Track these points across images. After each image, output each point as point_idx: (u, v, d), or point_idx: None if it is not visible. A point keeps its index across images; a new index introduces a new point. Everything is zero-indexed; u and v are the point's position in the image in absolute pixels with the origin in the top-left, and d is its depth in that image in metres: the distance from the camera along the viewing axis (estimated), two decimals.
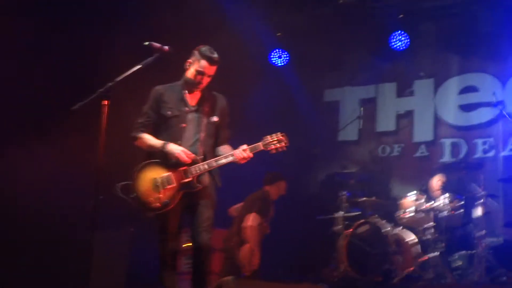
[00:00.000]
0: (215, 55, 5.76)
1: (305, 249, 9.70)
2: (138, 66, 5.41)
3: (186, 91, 5.84)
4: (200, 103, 5.86)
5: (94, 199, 5.00)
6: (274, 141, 5.63)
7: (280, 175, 9.03)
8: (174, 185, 5.64)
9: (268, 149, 5.63)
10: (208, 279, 5.86)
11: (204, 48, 5.78)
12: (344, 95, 11.12)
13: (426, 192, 8.97)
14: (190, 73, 5.78)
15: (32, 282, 8.23)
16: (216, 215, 7.82)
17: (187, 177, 5.64)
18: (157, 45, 5.49)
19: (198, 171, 5.63)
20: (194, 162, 5.66)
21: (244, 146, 5.63)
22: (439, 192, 8.91)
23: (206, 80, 5.79)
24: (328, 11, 10.29)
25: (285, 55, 10.93)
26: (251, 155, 5.63)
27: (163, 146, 5.63)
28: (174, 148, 5.62)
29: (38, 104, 8.68)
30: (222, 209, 8.20)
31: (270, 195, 8.88)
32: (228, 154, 5.66)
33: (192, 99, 5.86)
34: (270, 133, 6.19)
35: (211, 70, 5.77)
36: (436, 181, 9.05)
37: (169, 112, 5.75)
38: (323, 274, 9.04)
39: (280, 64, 10.95)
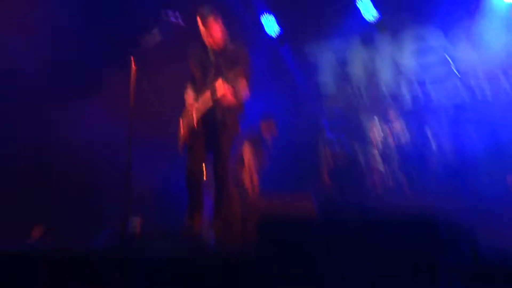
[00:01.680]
0: (208, 11, 5.87)
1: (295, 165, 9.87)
2: (159, 39, 5.42)
3: (207, 51, 5.94)
4: (218, 61, 5.87)
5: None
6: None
7: (272, 115, 9.13)
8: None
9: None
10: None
11: (199, 9, 5.85)
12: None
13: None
14: (204, 32, 5.87)
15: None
16: None
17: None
18: (173, 18, 5.42)
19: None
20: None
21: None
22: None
23: (217, 37, 5.88)
24: None
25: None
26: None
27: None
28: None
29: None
30: None
31: (262, 131, 9.05)
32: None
33: (213, 58, 5.92)
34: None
35: (216, 28, 5.86)
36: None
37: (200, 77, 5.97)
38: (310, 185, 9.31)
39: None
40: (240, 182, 8.71)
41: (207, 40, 5.79)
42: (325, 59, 11.29)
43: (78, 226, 7.88)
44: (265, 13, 11.15)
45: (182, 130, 5.94)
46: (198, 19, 5.76)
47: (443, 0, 9.94)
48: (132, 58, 5.28)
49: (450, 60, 9.37)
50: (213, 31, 5.76)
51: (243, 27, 10.44)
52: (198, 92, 5.90)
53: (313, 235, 4.30)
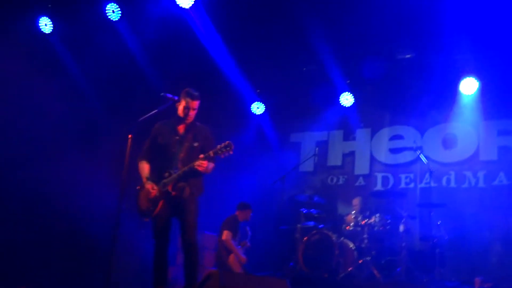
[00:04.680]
0: (196, 93, 6.25)
1: (272, 251, 9.95)
2: (155, 111, 6.14)
3: (177, 124, 6.29)
4: (186, 132, 6.26)
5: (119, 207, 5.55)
6: (222, 147, 5.92)
7: (248, 205, 9.49)
8: (155, 195, 6.05)
9: (218, 154, 5.94)
10: (197, 272, 6.06)
11: (187, 89, 6.24)
12: (304, 137, 11.61)
13: (362, 212, 9.35)
14: (179, 110, 6.22)
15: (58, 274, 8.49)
16: (205, 222, 8.59)
17: (163, 188, 6.06)
18: (170, 95, 6.16)
19: (169, 182, 6.03)
20: (162, 188, 6.03)
21: (201, 155, 5.97)
22: (357, 207, 9.50)
23: (191, 113, 6.23)
24: (295, 74, 11.04)
25: (262, 106, 11.58)
26: (204, 162, 5.94)
27: (145, 181, 6.19)
28: (147, 185, 6.12)
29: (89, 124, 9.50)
30: (212, 217, 9.09)
31: (238, 217, 9.41)
32: (190, 165, 6.00)
33: (180, 129, 6.28)
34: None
35: (194, 104, 6.20)
36: (355, 201, 9.69)
37: (162, 141, 6.24)
38: (285, 270, 9.41)
39: (258, 113, 11.63)
40: (224, 265, 8.99)
41: (183, 115, 6.20)
42: (307, 142, 11.55)
43: None
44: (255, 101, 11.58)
45: (143, 202, 6.16)
46: (182, 99, 6.20)
47: (421, 103, 10.33)
48: (129, 136, 5.81)
49: (423, 158, 9.37)
50: (191, 112, 6.20)
51: (234, 109, 11.17)
52: (159, 163, 6.19)
53: None
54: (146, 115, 6.03)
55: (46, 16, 9.75)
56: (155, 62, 10.05)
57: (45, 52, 9.59)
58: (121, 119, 8.60)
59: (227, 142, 5.98)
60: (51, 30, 9.79)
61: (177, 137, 6.24)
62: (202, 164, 5.99)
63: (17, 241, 8.55)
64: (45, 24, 9.78)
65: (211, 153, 5.98)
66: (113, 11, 9.57)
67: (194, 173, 6.09)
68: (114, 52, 9.65)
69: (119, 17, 9.55)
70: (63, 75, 9.71)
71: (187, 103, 6.19)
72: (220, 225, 9.35)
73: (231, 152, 5.95)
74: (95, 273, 7.38)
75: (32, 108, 9.15)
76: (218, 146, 5.98)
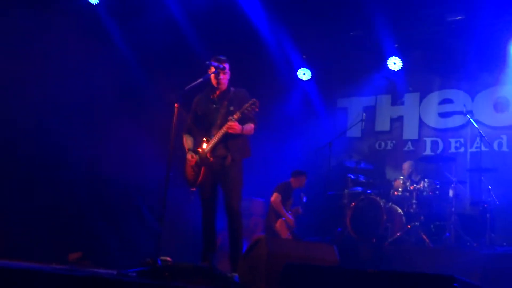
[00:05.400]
0: (223, 57, 6.23)
1: (320, 217, 9.88)
2: (200, 79, 6.12)
3: (212, 93, 6.29)
4: (220, 98, 6.24)
5: (167, 175, 5.62)
6: (247, 106, 5.93)
7: (303, 172, 9.56)
8: (196, 163, 6.13)
9: (245, 113, 5.95)
10: (241, 238, 6.12)
11: (215, 56, 6.26)
12: (351, 103, 11.55)
13: (410, 177, 9.41)
14: (212, 78, 6.23)
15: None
16: (254, 188, 8.71)
17: (201, 155, 6.13)
18: (215, 64, 6.16)
19: (207, 149, 6.08)
20: (201, 155, 6.10)
21: (229, 118, 5.98)
22: (406, 171, 9.57)
23: (222, 77, 6.21)
24: (341, 39, 10.90)
25: (308, 72, 11.43)
26: (234, 123, 5.93)
27: (186, 152, 6.29)
28: (188, 155, 6.22)
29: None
30: (260, 184, 9.26)
31: (292, 184, 9.52)
32: (221, 129, 6.01)
33: (215, 97, 6.27)
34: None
35: (222, 69, 6.18)
36: (406, 164, 9.75)
37: (200, 111, 6.30)
38: (333, 235, 9.47)
39: (304, 79, 11.52)
40: (271, 230, 9.09)
41: (216, 82, 6.21)
42: (354, 107, 11.48)
43: (113, 256, 8.05)
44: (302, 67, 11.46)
45: (189, 171, 6.24)
46: (212, 67, 6.19)
47: (471, 66, 10.09)
48: (176, 105, 5.85)
49: (474, 123, 9.19)
50: (222, 76, 6.18)
51: (280, 76, 11.05)
52: (201, 133, 6.24)
53: (334, 284, 4.22)
54: (192, 84, 6.02)
55: None
56: (200, 31, 10.02)
57: (92, 23, 9.63)
58: (168, 88, 8.64)
59: (252, 99, 5.99)
60: (98, 1, 9.85)
61: (214, 105, 6.25)
62: (232, 126, 5.99)
63: (68, 210, 8.75)
64: None
65: (237, 114, 6.00)
66: None
67: (231, 136, 6.08)
68: (160, 21, 9.67)
69: None
70: (111, 45, 9.79)
71: (216, 69, 6.18)
72: (272, 190, 9.42)
73: (256, 109, 5.96)
74: (146, 241, 7.49)
75: (80, 79, 9.29)
76: (244, 106, 5.98)
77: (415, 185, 9.11)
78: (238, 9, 9.64)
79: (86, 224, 8.68)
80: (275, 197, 9.24)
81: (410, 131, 10.93)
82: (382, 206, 9.04)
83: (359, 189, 9.86)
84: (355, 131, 11.19)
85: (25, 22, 8.68)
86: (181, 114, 5.92)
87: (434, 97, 10.81)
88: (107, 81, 9.45)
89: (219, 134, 6.05)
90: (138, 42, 9.89)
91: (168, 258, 5.64)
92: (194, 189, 6.24)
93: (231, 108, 6.12)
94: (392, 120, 11.18)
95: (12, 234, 8.09)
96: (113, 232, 8.81)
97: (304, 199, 9.61)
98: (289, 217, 9.28)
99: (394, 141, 11.08)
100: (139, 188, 9.34)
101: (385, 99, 11.33)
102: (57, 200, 8.66)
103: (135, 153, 9.40)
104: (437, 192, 9.01)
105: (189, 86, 5.97)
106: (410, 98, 11.03)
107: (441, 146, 10.57)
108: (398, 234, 8.85)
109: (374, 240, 8.88)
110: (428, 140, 10.70)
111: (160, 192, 5.79)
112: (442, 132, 10.60)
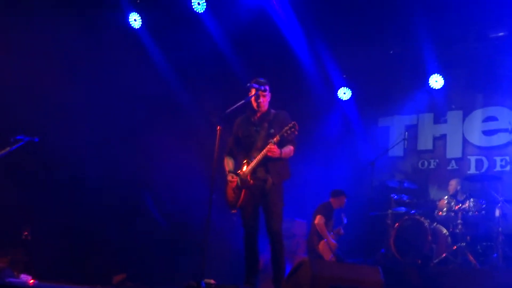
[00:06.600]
0: (262, 79, 6.28)
1: (363, 238, 9.71)
2: (242, 102, 6.21)
3: (253, 115, 6.34)
4: (261, 120, 6.28)
5: (210, 197, 5.76)
6: (287, 129, 5.94)
7: (343, 192, 9.52)
8: (236, 185, 6.16)
9: (285, 136, 5.96)
10: (283, 260, 6.13)
11: (255, 78, 6.30)
12: (393, 122, 11.39)
13: (455, 196, 9.26)
14: (252, 100, 6.26)
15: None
16: (296, 209, 8.68)
17: (241, 178, 6.16)
18: (256, 86, 6.20)
19: (248, 171, 6.11)
20: (241, 178, 6.11)
21: (269, 141, 6.00)
22: (453, 188, 9.40)
23: (262, 100, 6.25)
24: (381, 57, 10.82)
25: (349, 91, 11.29)
26: (273, 147, 5.94)
27: (227, 174, 6.30)
28: (228, 176, 6.23)
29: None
30: (302, 205, 9.27)
31: (332, 205, 9.48)
32: (262, 152, 6.03)
33: (256, 119, 6.31)
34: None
35: (263, 91, 6.22)
36: (452, 182, 9.58)
37: (242, 134, 6.33)
38: (377, 257, 9.37)
39: (345, 99, 11.37)
40: (314, 251, 9.08)
41: (256, 104, 6.25)
42: (396, 126, 11.36)
43: (157, 278, 8.05)
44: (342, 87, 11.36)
45: (230, 193, 6.27)
46: (252, 89, 6.22)
47: None
48: (218, 128, 5.99)
49: None
50: (262, 99, 6.21)
51: (321, 96, 11.03)
52: (242, 156, 6.28)
53: None
54: (233, 107, 6.09)
55: (135, 12, 10.06)
56: (239, 52, 10.11)
57: (135, 46, 9.87)
58: (210, 109, 8.72)
59: (292, 123, 6.00)
60: (140, 25, 10.05)
61: (254, 128, 6.29)
62: (272, 149, 6.00)
63: (112, 231, 8.87)
64: (135, 20, 10.09)
65: (276, 137, 6.02)
66: (199, 3, 9.75)
67: (270, 159, 6.10)
68: (199, 42, 9.83)
69: (204, 9, 9.71)
70: (153, 67, 10.02)
71: (256, 91, 6.20)
72: (313, 211, 9.38)
73: (296, 133, 5.97)
74: (190, 263, 7.49)
75: (124, 100, 9.51)
76: (283, 129, 5.99)
77: (460, 205, 9.00)
78: (278, 30, 9.71)
79: (131, 246, 8.77)
80: (318, 219, 9.19)
81: (453, 150, 10.78)
82: (427, 226, 8.93)
83: (403, 209, 9.75)
84: (397, 151, 11.08)
85: (75, 42, 9.03)
86: (222, 136, 6.01)
87: (477, 115, 10.66)
88: (151, 101, 9.71)
89: (259, 157, 6.08)
90: (180, 63, 10.11)
91: (212, 281, 5.65)
92: (235, 211, 6.26)
93: (272, 131, 6.16)
94: (435, 139, 11.04)
95: (55, 256, 8.23)
96: (157, 254, 8.86)
97: (345, 220, 9.51)
98: (332, 241, 9.20)
99: (437, 160, 10.93)
100: (182, 209, 9.43)
101: (427, 117, 11.20)
102: (100, 221, 8.80)
103: (178, 174, 9.50)
104: (483, 212, 8.87)
105: (230, 109, 6.05)
106: (453, 116, 10.89)
107: (486, 164, 10.37)
108: (443, 255, 8.73)
109: (419, 262, 8.77)
110: (473, 159, 10.53)
111: (202, 212, 5.87)
112: (487, 150, 10.42)
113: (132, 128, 9.63)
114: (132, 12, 10.08)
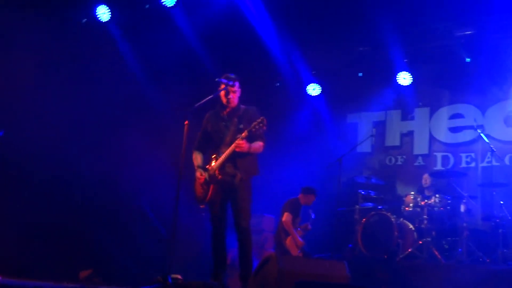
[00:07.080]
0: (232, 75, 6.24)
1: (331, 233, 9.70)
2: (210, 96, 6.21)
3: (222, 110, 6.32)
4: (230, 116, 6.27)
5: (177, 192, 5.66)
6: (255, 124, 5.92)
7: (314, 191, 9.41)
8: (204, 181, 6.14)
9: (253, 132, 5.94)
10: (251, 256, 6.13)
11: (225, 74, 6.28)
12: (361, 118, 11.50)
13: (421, 192, 9.39)
14: (222, 96, 6.25)
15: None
16: (265, 205, 8.67)
17: (210, 173, 6.14)
18: (224, 81, 6.19)
19: (215, 166, 6.11)
20: (210, 173, 6.11)
21: (237, 136, 6.00)
22: (427, 183, 9.55)
23: (232, 96, 6.24)
24: (350, 54, 10.85)
25: (318, 87, 11.30)
26: (242, 142, 5.93)
27: (195, 169, 6.28)
28: (196, 172, 6.23)
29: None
30: (270, 200, 9.30)
31: (300, 201, 9.38)
32: (230, 147, 6.02)
33: (225, 114, 6.30)
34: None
35: (233, 87, 6.20)
36: (426, 177, 9.70)
37: (211, 129, 6.34)
38: (344, 252, 9.38)
39: (314, 95, 11.39)
40: (281, 246, 9.05)
41: (225, 100, 6.23)
42: (364, 123, 11.46)
43: (124, 273, 8.06)
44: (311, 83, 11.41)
45: (198, 188, 6.24)
46: (222, 85, 6.21)
47: (481, 80, 10.10)
48: (186, 123, 5.91)
49: (484, 137, 9.18)
50: (232, 95, 6.19)
51: (290, 92, 11.11)
52: (211, 151, 6.27)
53: None
54: (202, 101, 6.08)
55: (104, 4, 9.87)
56: (209, 48, 10.07)
57: (103, 40, 9.74)
58: (178, 104, 8.68)
59: (260, 118, 5.99)
60: (109, 18, 9.91)
61: (223, 123, 6.28)
62: (240, 145, 5.99)
63: (79, 226, 8.79)
64: (103, 13, 9.88)
65: (245, 132, 6.00)
66: None
67: (239, 154, 6.08)
68: (170, 38, 9.75)
69: (174, 3, 9.53)
70: (121, 62, 9.88)
71: (225, 86, 6.20)
72: (281, 207, 9.36)
73: (264, 128, 5.94)
74: (157, 258, 7.47)
75: (90, 95, 9.40)
76: (252, 124, 5.97)
77: (426, 201, 9.05)
78: (248, 26, 9.66)
79: (97, 241, 8.68)
80: (286, 216, 9.14)
81: (420, 146, 10.90)
82: (393, 221, 8.99)
83: (370, 204, 9.84)
84: (365, 147, 11.20)
85: (39, 36, 8.83)
86: (191, 131, 5.97)
87: (444, 112, 10.78)
88: (117, 97, 9.56)
89: (228, 152, 6.06)
90: (148, 59, 9.99)
91: (179, 276, 5.63)
92: (203, 206, 6.24)
93: (241, 126, 6.14)
94: (403, 135, 11.15)
95: (22, 252, 8.12)
96: (124, 249, 8.80)
97: (313, 216, 9.51)
98: (299, 239, 9.13)
99: (404, 156, 11.05)
100: (150, 204, 9.44)
101: (395, 114, 11.31)
102: (67, 216, 8.69)
103: (146, 169, 9.42)
104: (448, 207, 8.97)
105: (198, 104, 6.05)
106: (420, 113, 11.00)
107: (452, 161, 10.51)
108: (409, 250, 8.81)
109: (386, 256, 8.85)
110: (439, 155, 10.65)
111: (170, 208, 5.83)
112: (453, 147, 10.56)
113: (98, 123, 9.50)
114: (101, 4, 9.89)
